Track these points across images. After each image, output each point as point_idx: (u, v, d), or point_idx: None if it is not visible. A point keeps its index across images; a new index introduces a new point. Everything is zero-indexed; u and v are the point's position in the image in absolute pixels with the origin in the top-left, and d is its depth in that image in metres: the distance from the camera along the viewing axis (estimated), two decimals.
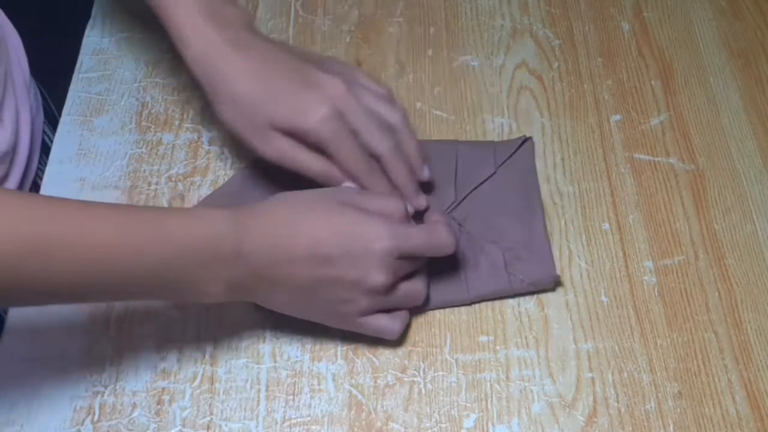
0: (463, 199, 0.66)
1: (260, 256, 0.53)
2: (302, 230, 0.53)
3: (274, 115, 0.57)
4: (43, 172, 0.75)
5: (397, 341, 0.60)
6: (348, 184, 0.60)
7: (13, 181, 0.71)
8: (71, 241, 0.47)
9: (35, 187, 0.74)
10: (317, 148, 0.58)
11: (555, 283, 0.62)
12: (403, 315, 0.59)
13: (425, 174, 0.63)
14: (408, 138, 0.62)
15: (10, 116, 0.70)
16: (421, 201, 0.62)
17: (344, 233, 0.54)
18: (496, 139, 0.71)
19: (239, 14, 0.61)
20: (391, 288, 0.56)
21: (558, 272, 0.62)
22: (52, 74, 0.83)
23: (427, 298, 0.61)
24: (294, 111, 0.57)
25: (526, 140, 0.69)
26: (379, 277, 0.54)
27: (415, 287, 0.59)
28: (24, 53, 0.76)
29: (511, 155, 0.68)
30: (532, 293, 0.62)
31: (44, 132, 0.78)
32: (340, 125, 0.57)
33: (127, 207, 0.58)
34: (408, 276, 0.58)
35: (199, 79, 0.60)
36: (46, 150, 0.77)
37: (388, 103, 0.62)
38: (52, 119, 0.80)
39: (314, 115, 0.57)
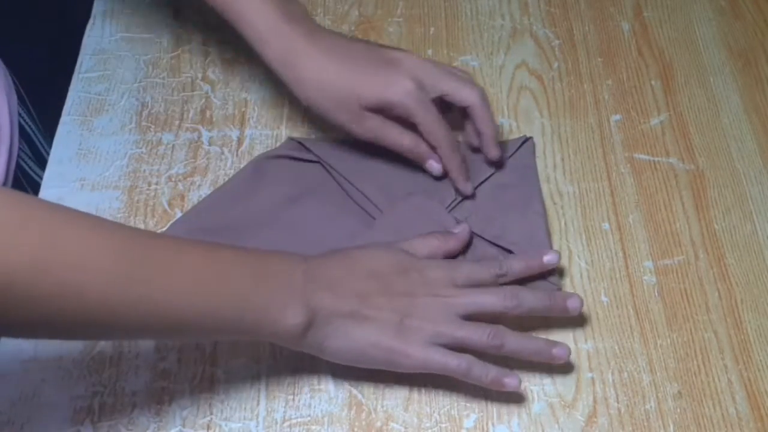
0: (464, 198, 0.66)
1: (323, 275, 0.55)
2: (360, 256, 0.57)
3: (362, 94, 0.61)
4: (24, 154, 0.75)
5: None
6: (432, 161, 0.64)
7: (0, 162, 0.71)
8: (168, 267, 0.49)
9: (19, 168, 0.74)
10: (404, 121, 0.63)
11: (555, 287, 0.62)
12: (470, 358, 0.56)
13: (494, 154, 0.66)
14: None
15: None
16: (468, 186, 0.65)
17: (397, 256, 0.58)
18: None
19: (303, 9, 0.65)
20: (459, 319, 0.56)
21: (559, 279, 0.62)
22: (52, 74, 0.83)
23: None
24: (380, 87, 0.61)
25: (526, 140, 0.69)
26: (437, 272, 0.57)
27: (492, 328, 0.56)
28: None
29: (511, 155, 0.68)
30: None
31: (19, 114, 0.78)
32: (424, 95, 0.62)
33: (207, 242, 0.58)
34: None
35: (282, 74, 0.63)
36: (22, 134, 0.77)
37: (456, 71, 0.66)
38: (23, 103, 0.80)
39: (399, 88, 0.61)
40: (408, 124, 0.63)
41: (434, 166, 0.65)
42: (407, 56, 0.63)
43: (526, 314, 0.57)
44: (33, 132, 0.80)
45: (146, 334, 0.54)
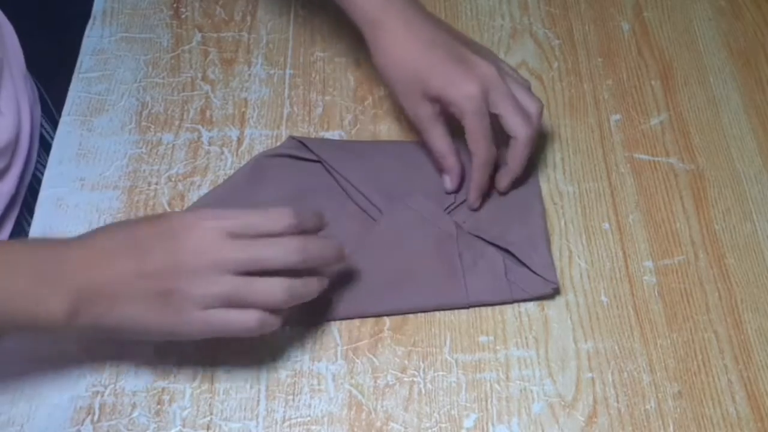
0: (464, 201, 0.66)
1: (83, 264, 0.52)
2: (122, 228, 0.54)
3: (428, 84, 0.63)
4: (42, 165, 0.75)
5: (398, 340, 0.60)
6: (447, 177, 0.66)
7: (14, 173, 0.71)
8: None
9: (36, 180, 0.74)
10: (455, 121, 0.63)
11: (555, 292, 0.62)
12: (257, 312, 0.53)
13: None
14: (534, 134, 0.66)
15: (11, 106, 0.70)
16: (479, 202, 0.66)
17: (162, 222, 0.53)
18: None
19: None
20: (228, 275, 0.52)
21: (558, 280, 0.62)
22: (52, 74, 0.83)
23: (426, 300, 0.61)
24: (446, 82, 0.62)
25: None
26: (198, 255, 0.52)
27: (265, 282, 0.53)
28: (18, 43, 0.76)
29: None
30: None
31: (42, 126, 0.78)
32: (483, 105, 0.62)
33: None
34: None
35: (367, 33, 0.66)
36: (44, 144, 0.77)
37: (529, 93, 0.66)
38: (49, 115, 0.81)
39: (462, 90, 0.62)
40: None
41: (447, 182, 0.66)
42: (485, 63, 0.63)
43: (315, 267, 0.54)
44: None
45: None
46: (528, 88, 0.66)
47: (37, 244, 0.55)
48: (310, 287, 0.55)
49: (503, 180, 0.66)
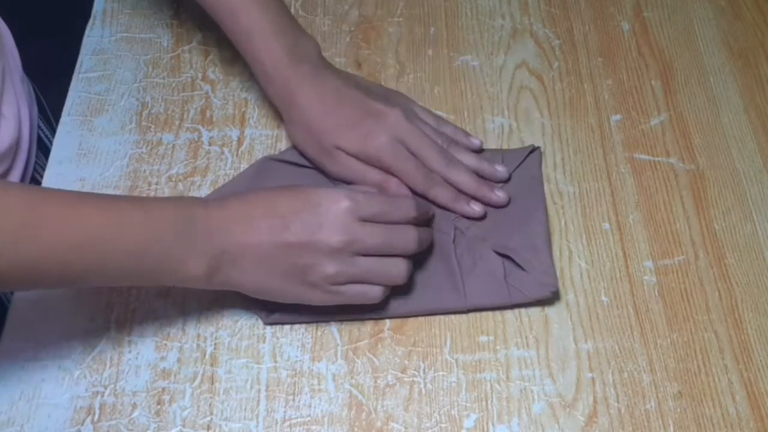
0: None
1: (224, 229, 0.56)
2: (261, 197, 0.58)
3: (340, 141, 0.64)
4: (41, 167, 0.75)
5: (398, 340, 0.60)
6: (392, 182, 0.65)
7: (15, 176, 0.71)
8: (63, 217, 0.51)
9: (35, 182, 0.74)
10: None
11: (554, 296, 0.62)
12: (381, 288, 0.59)
13: (475, 143, 0.69)
14: (454, 131, 0.69)
15: (12, 110, 0.70)
16: (475, 208, 0.65)
17: (300, 197, 0.57)
18: (496, 139, 0.71)
19: (312, 45, 0.68)
20: (358, 256, 0.57)
21: (558, 283, 0.62)
22: (52, 74, 0.83)
23: (424, 303, 0.61)
24: (358, 138, 0.64)
25: (533, 150, 0.69)
26: (335, 236, 0.56)
27: (393, 263, 0.59)
28: (16, 47, 0.76)
29: (518, 166, 0.67)
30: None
31: (39, 127, 0.78)
32: (399, 148, 0.64)
33: (112, 195, 0.63)
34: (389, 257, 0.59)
35: (279, 108, 0.67)
36: (41, 146, 0.77)
37: (438, 122, 0.69)
38: (44, 115, 0.81)
39: (376, 141, 0.63)
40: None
41: (393, 188, 0.65)
42: (394, 112, 0.64)
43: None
44: (51, 143, 0.80)
45: (44, 283, 0.55)
46: (437, 120, 0.69)
47: (178, 203, 0.56)
48: (409, 270, 0.60)
49: (463, 203, 0.65)
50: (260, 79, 0.67)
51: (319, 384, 0.59)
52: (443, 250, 0.63)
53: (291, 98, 0.65)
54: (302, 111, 0.65)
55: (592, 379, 0.59)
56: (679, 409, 0.58)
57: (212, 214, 0.56)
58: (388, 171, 0.64)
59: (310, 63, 0.66)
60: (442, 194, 0.65)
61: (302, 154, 0.67)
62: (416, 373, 0.59)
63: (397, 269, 0.59)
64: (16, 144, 0.71)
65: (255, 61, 0.66)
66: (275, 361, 0.60)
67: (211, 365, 0.60)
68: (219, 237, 0.55)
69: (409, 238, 0.59)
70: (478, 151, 0.68)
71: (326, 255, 0.56)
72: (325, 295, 0.58)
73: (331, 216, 0.56)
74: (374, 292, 0.58)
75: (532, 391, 0.59)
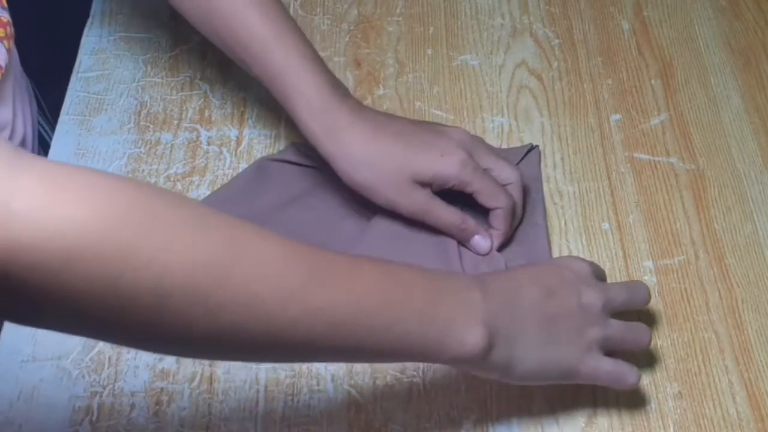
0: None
1: (497, 293, 0.52)
2: (525, 271, 0.55)
3: (415, 169, 0.61)
4: None
5: None
6: (479, 237, 0.63)
7: None
8: (351, 280, 0.46)
9: None
10: (453, 192, 0.62)
11: None
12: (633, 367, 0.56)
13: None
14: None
15: (18, 108, 0.70)
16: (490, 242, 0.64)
17: (557, 268, 0.55)
18: (495, 139, 0.71)
19: (345, 88, 0.64)
20: (608, 318, 0.55)
21: None
22: (51, 74, 0.82)
23: None
24: (433, 160, 0.61)
25: (532, 149, 0.69)
26: (590, 294, 0.54)
27: (635, 325, 0.56)
28: (15, 47, 0.76)
29: (516, 164, 0.67)
30: None
31: (40, 123, 0.78)
32: (476, 165, 0.62)
33: (373, 257, 0.54)
34: None
35: (325, 147, 0.62)
36: (42, 145, 0.77)
37: (501, 156, 0.66)
38: (43, 115, 0.80)
39: (454, 159, 0.61)
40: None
41: (480, 243, 0.63)
42: (456, 130, 0.63)
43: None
44: (51, 140, 0.80)
45: (323, 353, 0.49)
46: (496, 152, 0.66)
47: (450, 272, 0.55)
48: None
49: (496, 241, 0.64)
50: (302, 114, 0.62)
51: (318, 384, 0.59)
52: (446, 249, 0.63)
53: (341, 131, 0.61)
54: (359, 142, 0.61)
55: None
56: (679, 410, 0.58)
57: (489, 290, 0.51)
58: (468, 188, 0.62)
59: (352, 100, 0.63)
60: (509, 225, 0.63)
61: (365, 192, 0.62)
62: (415, 374, 0.59)
63: (644, 331, 0.56)
64: (22, 143, 0.71)
65: (297, 94, 0.61)
66: None
67: (210, 365, 0.60)
68: (496, 313, 0.50)
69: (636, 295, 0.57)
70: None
71: (592, 318, 0.54)
72: (593, 368, 0.54)
73: (580, 279, 0.55)
74: (632, 375, 0.55)
75: (532, 391, 0.58)
